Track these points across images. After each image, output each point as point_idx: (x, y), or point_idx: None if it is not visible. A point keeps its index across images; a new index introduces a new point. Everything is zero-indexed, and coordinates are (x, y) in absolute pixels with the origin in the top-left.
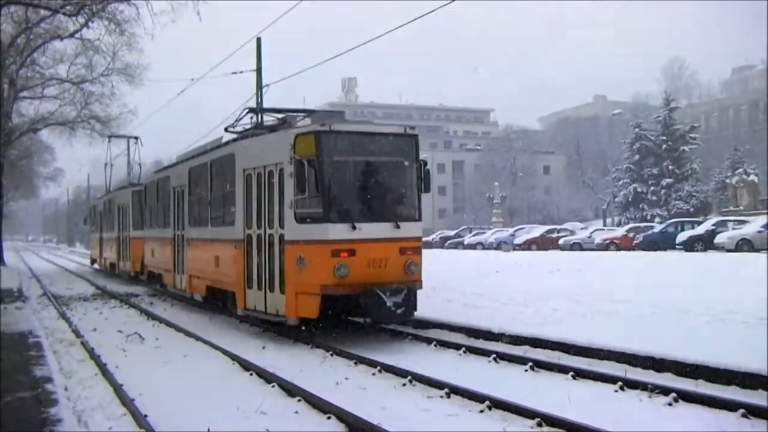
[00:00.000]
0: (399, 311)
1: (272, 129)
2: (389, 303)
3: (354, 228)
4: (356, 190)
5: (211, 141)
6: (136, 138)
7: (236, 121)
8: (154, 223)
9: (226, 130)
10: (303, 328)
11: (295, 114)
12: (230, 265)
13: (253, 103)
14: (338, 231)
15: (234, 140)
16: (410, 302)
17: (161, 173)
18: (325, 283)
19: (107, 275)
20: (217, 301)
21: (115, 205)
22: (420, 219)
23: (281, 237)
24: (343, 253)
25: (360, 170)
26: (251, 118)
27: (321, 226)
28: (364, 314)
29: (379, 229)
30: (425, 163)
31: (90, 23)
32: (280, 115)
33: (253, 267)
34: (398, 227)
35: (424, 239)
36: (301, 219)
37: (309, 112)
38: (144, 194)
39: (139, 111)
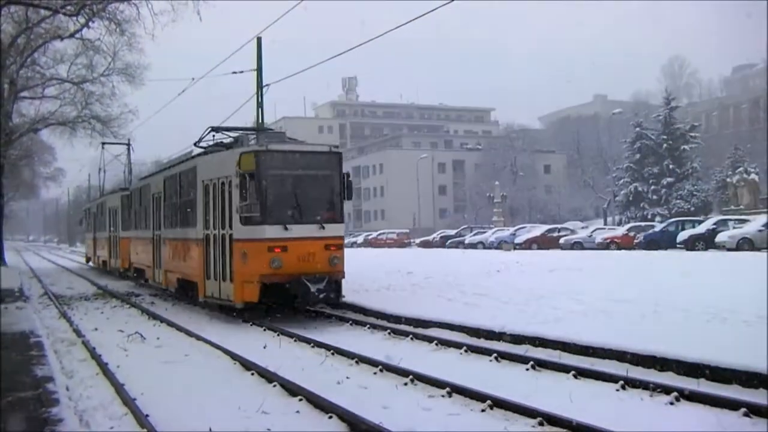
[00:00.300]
0: (321, 296)
1: (228, 146)
2: (313, 289)
3: (286, 229)
4: (288, 198)
5: (183, 155)
6: (128, 144)
7: (201, 138)
8: (138, 225)
9: (195, 145)
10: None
11: (247, 133)
12: (194, 260)
13: (253, 103)
14: (273, 231)
15: (198, 155)
16: (332, 289)
17: (144, 181)
18: (263, 273)
19: (106, 274)
20: (186, 292)
21: (106, 207)
22: (342, 221)
23: (230, 236)
24: (277, 249)
25: (292, 181)
26: (213, 135)
27: (259, 227)
28: (294, 299)
29: (307, 230)
30: (348, 175)
31: (90, 23)
32: (235, 134)
33: (211, 261)
34: (323, 228)
35: (424, 238)
36: (244, 221)
37: (260, 131)
38: (130, 198)
39: (140, 111)
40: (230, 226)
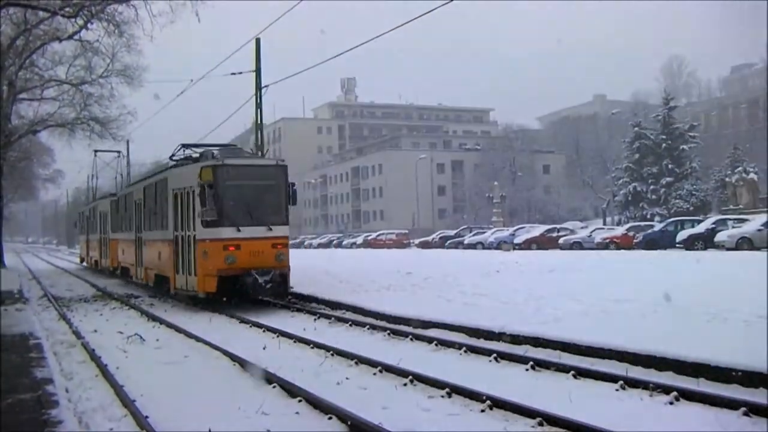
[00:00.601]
0: (268, 287)
1: (195, 160)
2: (261, 281)
3: (239, 230)
4: (241, 204)
5: (158, 166)
6: (119, 152)
7: (173, 153)
8: (124, 228)
9: (170, 158)
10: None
11: (212, 149)
12: (166, 258)
13: (252, 104)
14: (228, 232)
15: (170, 167)
16: (278, 281)
17: (128, 188)
18: (220, 267)
19: (102, 274)
20: (161, 286)
21: (97, 212)
22: (287, 223)
23: (194, 237)
24: (231, 247)
25: (244, 190)
26: (183, 150)
27: (217, 229)
28: (245, 290)
29: (257, 231)
30: (293, 184)
31: (89, 25)
32: (201, 150)
33: (179, 258)
34: (271, 229)
35: (423, 239)
36: (205, 224)
37: (223, 146)
38: (117, 204)
39: (139, 112)
40: (194, 228)
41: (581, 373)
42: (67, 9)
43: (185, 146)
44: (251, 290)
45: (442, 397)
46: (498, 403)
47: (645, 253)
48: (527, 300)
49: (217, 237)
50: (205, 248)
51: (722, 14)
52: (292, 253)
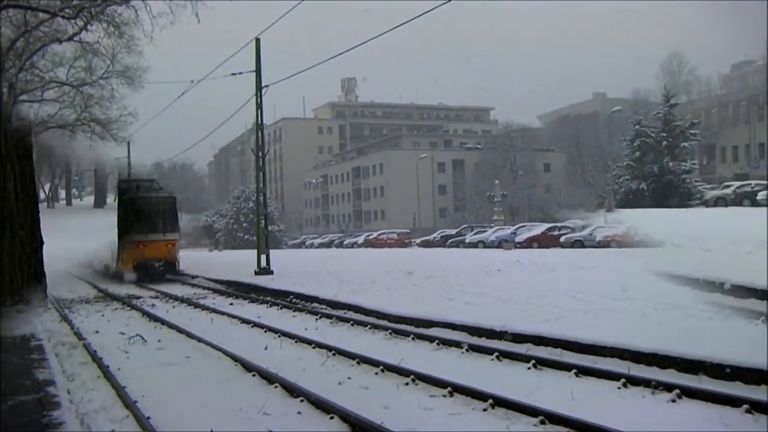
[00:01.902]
0: (161, 269)
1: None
2: (157, 265)
3: (146, 236)
4: (147, 220)
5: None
6: (95, 171)
7: (117, 186)
8: None
9: (117, 187)
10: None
11: (138, 183)
12: (110, 252)
13: (253, 104)
14: (139, 237)
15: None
16: (169, 266)
17: None
18: (135, 258)
19: (104, 276)
20: (107, 271)
21: None
22: (177, 231)
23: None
24: (141, 246)
25: (149, 212)
26: (121, 183)
27: (134, 235)
28: (148, 270)
29: (156, 236)
30: (180, 208)
31: (89, 26)
32: (133, 184)
33: (116, 253)
34: (165, 235)
35: (425, 238)
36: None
37: (145, 181)
38: None
39: (139, 113)
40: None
41: (583, 371)
42: (66, 10)
43: (122, 181)
44: (152, 271)
45: (444, 396)
46: (500, 402)
47: (646, 251)
48: (529, 298)
49: (133, 239)
50: (129, 246)
51: (722, 11)
52: (293, 253)
